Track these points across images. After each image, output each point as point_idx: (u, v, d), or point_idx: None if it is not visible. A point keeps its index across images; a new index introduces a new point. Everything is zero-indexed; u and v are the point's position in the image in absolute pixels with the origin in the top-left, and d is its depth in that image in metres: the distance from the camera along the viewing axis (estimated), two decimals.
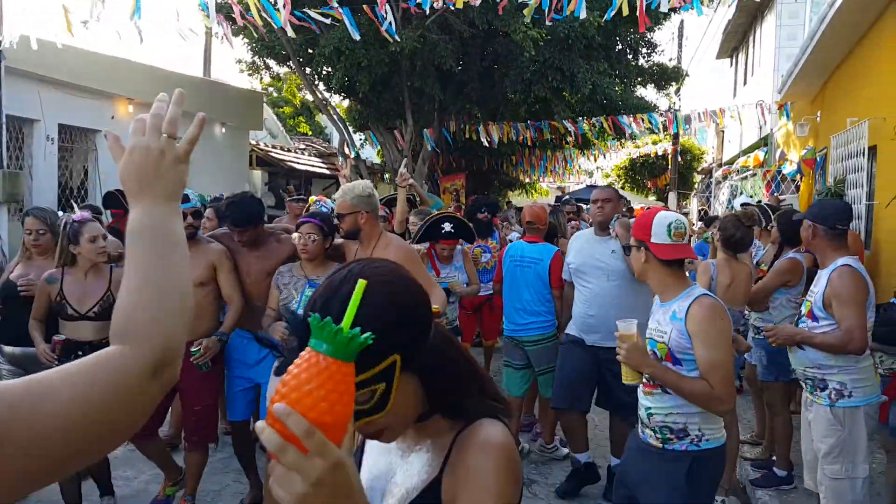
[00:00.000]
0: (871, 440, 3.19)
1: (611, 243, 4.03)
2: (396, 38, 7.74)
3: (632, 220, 3.47)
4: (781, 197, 9.29)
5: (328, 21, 7.25)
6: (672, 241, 2.51)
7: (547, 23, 6.55)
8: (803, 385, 3.30)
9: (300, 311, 3.10)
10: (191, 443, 3.80)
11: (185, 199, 3.48)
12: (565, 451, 4.77)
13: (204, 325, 3.70)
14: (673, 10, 11.30)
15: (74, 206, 6.22)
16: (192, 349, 3.56)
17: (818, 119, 9.41)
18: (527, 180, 20.67)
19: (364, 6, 6.83)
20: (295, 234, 3.60)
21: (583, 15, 6.66)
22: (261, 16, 7.16)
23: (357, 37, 7.38)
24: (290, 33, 7.43)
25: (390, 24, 6.94)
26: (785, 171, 9.47)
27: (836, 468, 3.09)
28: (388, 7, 6.68)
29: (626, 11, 6.15)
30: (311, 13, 7.12)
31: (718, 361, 2.36)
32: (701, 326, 2.38)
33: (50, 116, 9.45)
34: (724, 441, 2.50)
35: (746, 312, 4.48)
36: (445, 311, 4.25)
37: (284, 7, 7.05)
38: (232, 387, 3.92)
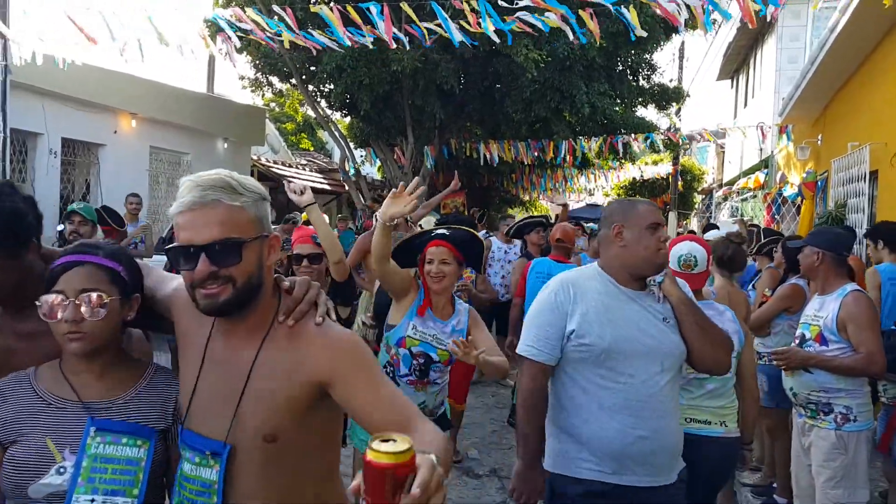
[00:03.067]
0: (869, 466, 3.20)
1: (657, 306, 2.30)
2: (395, 45, 7.79)
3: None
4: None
5: (336, 50, 7.29)
6: (679, 271, 2.83)
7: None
8: (802, 410, 3.28)
9: (78, 500, 1.43)
10: None
11: None
12: None
13: None
14: (670, 31, 11.41)
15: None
16: None
17: (819, 142, 9.44)
18: (526, 198, 20.72)
19: (368, 26, 6.88)
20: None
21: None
22: (268, 35, 7.21)
23: (367, 46, 7.39)
24: (283, 43, 7.47)
25: (396, 38, 6.99)
26: (786, 194, 9.48)
27: (838, 493, 3.08)
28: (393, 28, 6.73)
29: (640, 30, 6.24)
30: (316, 34, 7.17)
31: None
32: None
33: (53, 130, 9.49)
34: None
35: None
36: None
37: (289, 29, 7.10)
38: None
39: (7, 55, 7.61)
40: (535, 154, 12.77)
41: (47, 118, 9.32)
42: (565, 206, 7.05)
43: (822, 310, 3.24)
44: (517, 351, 2.31)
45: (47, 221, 10.19)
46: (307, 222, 10.73)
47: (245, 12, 7.18)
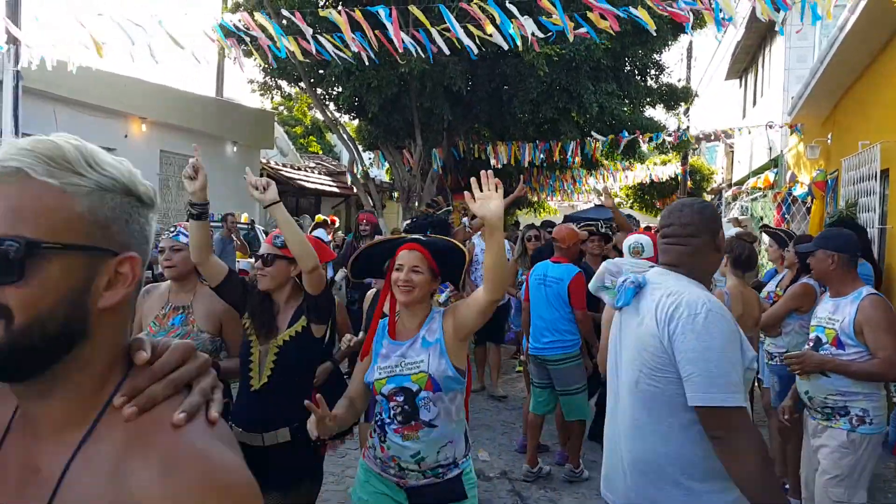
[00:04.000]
0: (883, 466, 3.19)
1: None
2: (403, 59, 7.86)
3: None
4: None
5: (345, 57, 7.31)
6: (630, 257, 3.65)
7: (570, 36, 6.51)
8: (817, 413, 3.26)
9: None
10: None
11: None
12: (587, 473, 4.75)
13: None
14: (678, 29, 11.39)
15: None
16: None
17: (829, 141, 9.39)
18: (535, 199, 20.69)
19: (376, 32, 6.89)
20: None
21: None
22: (272, 40, 7.25)
23: (374, 60, 7.44)
24: (300, 56, 7.51)
25: (406, 44, 6.99)
26: (795, 194, 9.42)
27: (839, 491, 3.07)
28: (402, 33, 6.75)
29: (652, 25, 6.27)
30: (325, 42, 7.19)
31: None
32: None
33: (64, 135, 9.58)
34: None
35: (762, 337, 4.45)
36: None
37: (297, 37, 7.13)
38: None
39: (19, 61, 7.69)
40: (543, 155, 12.76)
41: (58, 123, 9.40)
42: (614, 208, 5.63)
43: (836, 313, 3.20)
44: (731, 404, 1.85)
45: None
46: (320, 224, 10.72)
47: (253, 17, 7.21)
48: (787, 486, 4.39)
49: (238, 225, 10.25)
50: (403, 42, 6.88)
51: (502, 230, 2.26)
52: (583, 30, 6.51)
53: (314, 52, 7.29)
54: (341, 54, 7.28)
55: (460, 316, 2.39)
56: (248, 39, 7.69)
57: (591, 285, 2.44)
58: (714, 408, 1.85)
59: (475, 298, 2.36)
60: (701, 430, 1.92)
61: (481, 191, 2.22)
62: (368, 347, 2.50)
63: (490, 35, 6.61)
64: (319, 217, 11.25)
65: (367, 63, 7.58)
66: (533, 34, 6.54)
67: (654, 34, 7.01)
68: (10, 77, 7.89)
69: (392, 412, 2.33)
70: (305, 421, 2.37)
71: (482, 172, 2.24)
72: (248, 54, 10.11)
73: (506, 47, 6.90)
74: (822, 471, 3.12)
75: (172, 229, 3.15)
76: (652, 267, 2.26)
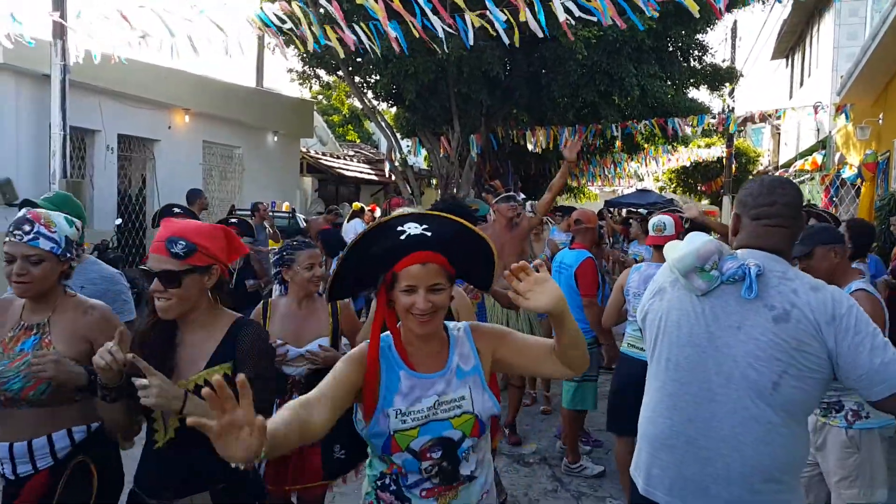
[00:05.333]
0: (889, 466, 3.05)
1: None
2: (445, 49, 7.84)
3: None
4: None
5: (378, 48, 7.33)
6: (653, 234, 3.92)
7: (604, 22, 6.38)
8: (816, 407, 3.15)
9: None
10: None
11: None
12: (599, 468, 4.58)
13: None
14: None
15: None
16: None
17: (880, 121, 9.05)
18: (574, 184, 20.48)
19: (411, 21, 6.87)
20: None
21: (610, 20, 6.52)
22: (311, 30, 7.29)
23: (404, 50, 7.43)
24: (342, 54, 7.57)
25: (441, 31, 6.95)
26: (844, 176, 9.13)
27: (853, 493, 2.93)
28: (436, 19, 6.71)
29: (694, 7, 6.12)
30: (360, 32, 7.22)
31: None
32: None
33: (110, 127, 9.83)
34: None
35: None
36: None
37: (335, 26, 7.17)
38: None
39: (66, 55, 7.90)
40: (583, 139, 12.59)
41: (104, 115, 9.65)
42: (702, 218, 4.64)
43: None
44: None
45: (106, 215, 10.49)
46: (357, 213, 10.70)
47: (291, 6, 7.26)
48: None
49: (278, 214, 10.39)
50: (441, 28, 6.84)
51: (569, 310, 1.64)
52: (621, 17, 6.39)
53: (351, 43, 7.31)
54: (375, 45, 7.29)
55: (506, 353, 1.80)
56: (285, 28, 7.75)
57: (682, 263, 1.86)
58: None
59: (536, 352, 1.77)
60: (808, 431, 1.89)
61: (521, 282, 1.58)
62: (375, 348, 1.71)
63: (525, 22, 6.52)
64: (357, 205, 11.30)
65: (405, 51, 7.58)
66: (568, 19, 6.42)
67: (690, 15, 6.81)
68: (58, 71, 8.11)
69: (425, 474, 1.71)
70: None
71: (515, 266, 1.57)
72: (289, 43, 10.19)
73: (541, 35, 6.81)
74: (832, 474, 3.00)
75: (28, 228, 2.10)
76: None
